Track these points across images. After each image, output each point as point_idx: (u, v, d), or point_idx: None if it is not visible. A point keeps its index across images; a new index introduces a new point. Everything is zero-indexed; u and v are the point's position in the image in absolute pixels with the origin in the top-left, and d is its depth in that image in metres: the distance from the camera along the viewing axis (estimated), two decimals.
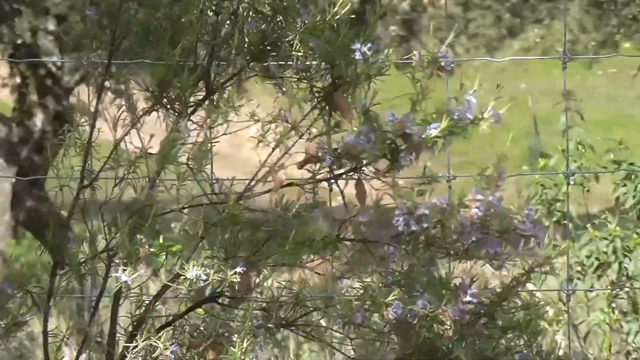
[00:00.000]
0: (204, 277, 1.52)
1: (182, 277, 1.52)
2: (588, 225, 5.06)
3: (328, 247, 1.66)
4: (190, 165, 1.61)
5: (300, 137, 1.69)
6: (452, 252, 1.71)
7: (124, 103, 1.65)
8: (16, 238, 8.98)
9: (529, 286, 1.91)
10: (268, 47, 1.68)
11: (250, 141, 1.68)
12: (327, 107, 1.68)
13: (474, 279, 1.72)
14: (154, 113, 1.68)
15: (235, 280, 1.54)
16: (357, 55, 1.64)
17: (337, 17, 1.66)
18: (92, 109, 1.67)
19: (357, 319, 1.59)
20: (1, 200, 9.29)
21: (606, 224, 5.07)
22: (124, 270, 1.56)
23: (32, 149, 9.83)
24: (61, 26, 9.60)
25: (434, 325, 1.61)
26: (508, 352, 1.76)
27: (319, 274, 1.72)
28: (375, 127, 1.66)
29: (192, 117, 1.66)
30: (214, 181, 1.69)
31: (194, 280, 1.52)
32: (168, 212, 1.65)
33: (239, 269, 1.53)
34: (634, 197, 5.11)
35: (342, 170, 1.70)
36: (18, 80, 10.63)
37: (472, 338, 1.71)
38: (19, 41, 9.87)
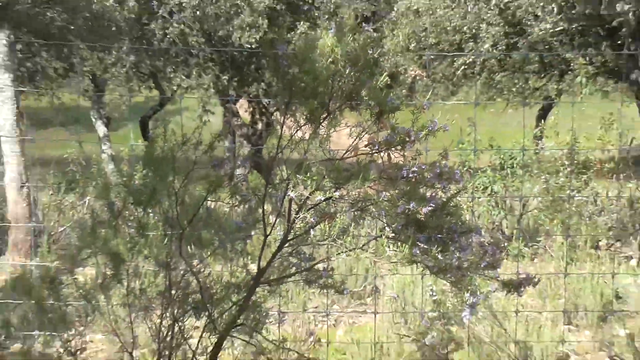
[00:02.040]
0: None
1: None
2: None
3: (375, 180, 4.14)
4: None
5: (365, 133, 4.18)
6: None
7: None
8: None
9: None
10: (354, 96, 3.99)
11: (346, 136, 4.23)
12: (376, 123, 4.11)
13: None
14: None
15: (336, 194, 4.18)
16: (389, 100, 4.08)
17: (383, 82, 4.17)
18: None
19: None
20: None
21: None
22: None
23: (258, 139, 17.03)
24: None
25: None
26: None
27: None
28: (395, 133, 4.04)
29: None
30: (330, 151, 4.21)
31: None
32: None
33: (335, 193, 4.14)
34: None
35: (383, 149, 4.05)
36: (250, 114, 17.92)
37: None
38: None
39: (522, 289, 4.30)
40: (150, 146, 4.09)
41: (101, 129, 21.07)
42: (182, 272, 4.12)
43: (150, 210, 4.08)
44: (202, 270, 4.16)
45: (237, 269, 4.20)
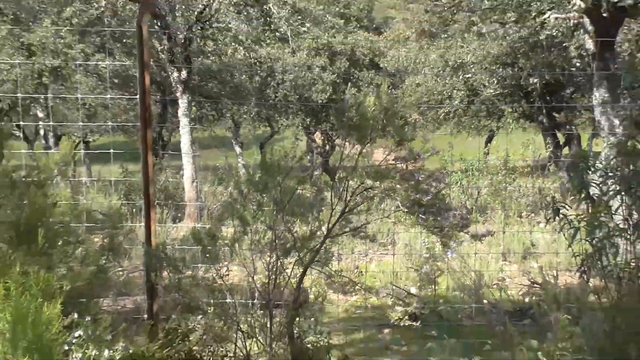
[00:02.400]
0: None
1: None
2: None
3: (396, 179, 3.97)
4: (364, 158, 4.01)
5: (392, 152, 4.00)
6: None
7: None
8: None
9: None
10: (385, 130, 3.92)
11: (379, 153, 4.04)
12: (398, 146, 3.94)
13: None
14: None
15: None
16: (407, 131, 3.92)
17: (401, 122, 3.96)
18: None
19: None
20: None
21: None
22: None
23: (327, 154, 17.37)
24: None
25: None
26: None
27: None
28: (411, 153, 3.90)
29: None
30: (370, 161, 4.05)
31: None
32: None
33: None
34: None
35: (402, 162, 3.95)
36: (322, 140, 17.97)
37: None
38: None
39: (484, 238, 4.24)
40: (264, 159, 4.07)
41: (238, 149, 21.25)
42: (282, 230, 3.98)
43: (264, 195, 3.96)
44: (294, 229, 4.01)
45: (314, 229, 4.07)
